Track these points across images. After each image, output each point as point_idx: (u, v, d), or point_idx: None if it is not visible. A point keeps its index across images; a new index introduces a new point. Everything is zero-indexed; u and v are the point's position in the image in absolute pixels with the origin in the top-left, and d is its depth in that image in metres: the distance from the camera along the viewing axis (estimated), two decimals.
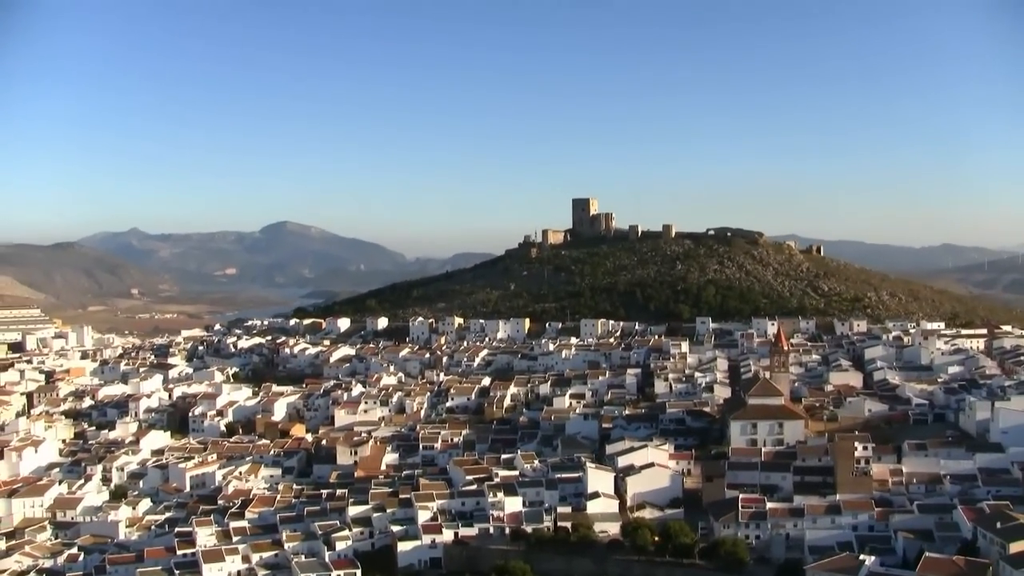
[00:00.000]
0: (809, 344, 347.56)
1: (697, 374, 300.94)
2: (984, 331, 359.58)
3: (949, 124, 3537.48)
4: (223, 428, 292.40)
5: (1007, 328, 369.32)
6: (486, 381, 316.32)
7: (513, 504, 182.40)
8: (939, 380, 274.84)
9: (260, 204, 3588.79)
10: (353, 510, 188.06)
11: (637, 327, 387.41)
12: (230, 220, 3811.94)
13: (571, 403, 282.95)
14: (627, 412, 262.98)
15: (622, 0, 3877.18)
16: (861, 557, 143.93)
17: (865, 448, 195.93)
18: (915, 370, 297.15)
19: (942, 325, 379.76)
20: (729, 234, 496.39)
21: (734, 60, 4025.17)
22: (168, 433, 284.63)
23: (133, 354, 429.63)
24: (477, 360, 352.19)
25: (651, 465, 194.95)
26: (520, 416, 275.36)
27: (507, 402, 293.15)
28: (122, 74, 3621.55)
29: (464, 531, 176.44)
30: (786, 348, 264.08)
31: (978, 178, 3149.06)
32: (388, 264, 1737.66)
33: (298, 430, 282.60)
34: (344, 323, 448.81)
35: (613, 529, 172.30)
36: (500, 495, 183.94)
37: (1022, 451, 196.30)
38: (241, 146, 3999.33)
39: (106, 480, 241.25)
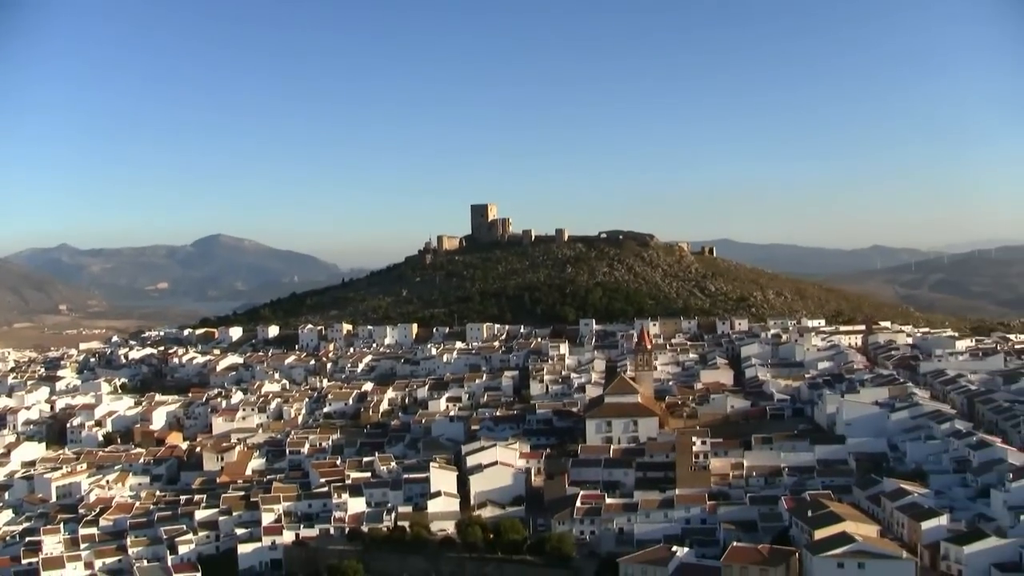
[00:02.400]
0: (688, 343, 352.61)
1: (573, 375, 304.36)
2: (863, 328, 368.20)
3: (883, 128, 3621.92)
4: (101, 438, 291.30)
5: (885, 324, 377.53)
6: (368, 386, 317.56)
7: (356, 505, 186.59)
8: (806, 376, 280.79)
9: (192, 217, 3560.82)
10: (201, 514, 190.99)
11: (522, 330, 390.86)
12: (162, 234, 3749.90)
13: (447, 406, 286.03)
14: (498, 414, 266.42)
15: (513, 6, 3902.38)
16: (674, 549, 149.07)
17: (704, 443, 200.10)
18: (787, 367, 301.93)
19: (822, 322, 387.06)
20: (621, 237, 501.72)
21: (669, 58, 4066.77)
22: (44, 445, 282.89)
23: (24, 368, 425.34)
24: (361, 366, 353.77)
25: (494, 464, 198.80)
26: (393, 420, 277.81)
27: (384, 406, 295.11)
28: (52, 88, 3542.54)
29: (305, 532, 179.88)
30: (649, 347, 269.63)
31: (910, 182, 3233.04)
32: (322, 275, 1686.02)
33: (174, 438, 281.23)
34: (236, 332, 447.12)
35: (451, 527, 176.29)
36: (345, 496, 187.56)
37: (860, 442, 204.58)
38: (173, 159, 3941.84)
39: None
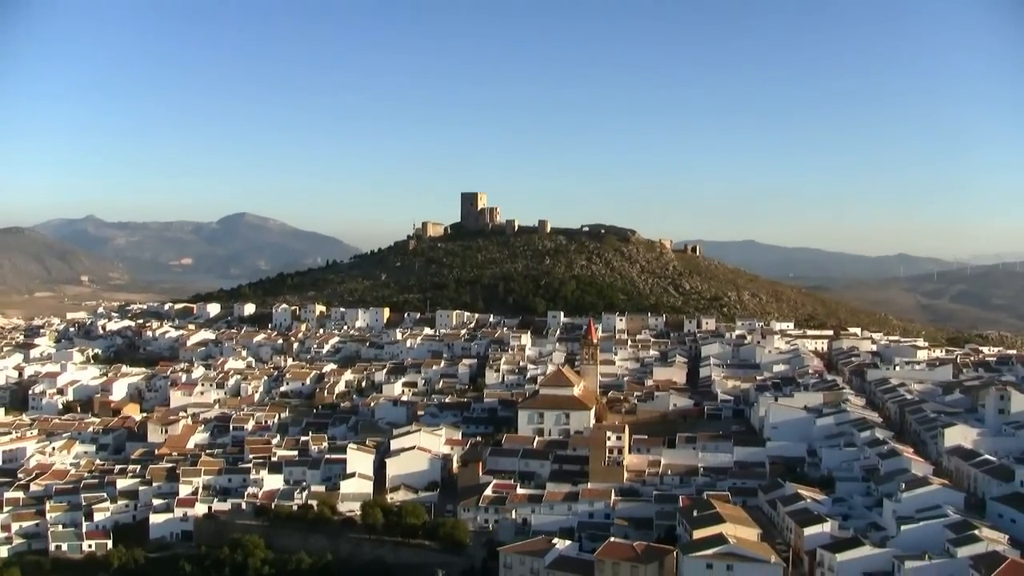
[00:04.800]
0: (652, 340, 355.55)
1: (530, 366, 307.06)
2: (830, 333, 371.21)
3: (910, 139, 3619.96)
4: (61, 406, 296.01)
5: (854, 331, 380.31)
6: (329, 368, 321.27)
7: (274, 482, 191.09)
8: (757, 378, 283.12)
9: (219, 195, 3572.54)
10: (122, 483, 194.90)
11: (492, 319, 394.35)
12: (189, 210, 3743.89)
13: (402, 391, 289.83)
14: (447, 400, 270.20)
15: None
16: (554, 541, 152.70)
17: (619, 438, 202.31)
18: (745, 368, 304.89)
19: (791, 326, 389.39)
20: (603, 231, 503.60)
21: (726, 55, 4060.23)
22: (2, 410, 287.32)
23: (5, 334, 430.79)
24: (327, 347, 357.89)
25: (412, 448, 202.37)
26: (343, 402, 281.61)
27: (340, 388, 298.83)
28: (85, 63, 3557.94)
29: (218, 506, 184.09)
30: (595, 341, 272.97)
31: (937, 192, 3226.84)
32: (346, 258, 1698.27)
33: (131, 410, 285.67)
34: (215, 309, 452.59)
35: (358, 509, 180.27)
36: (263, 473, 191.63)
37: (781, 445, 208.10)
38: (202, 136, 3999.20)
39: None
